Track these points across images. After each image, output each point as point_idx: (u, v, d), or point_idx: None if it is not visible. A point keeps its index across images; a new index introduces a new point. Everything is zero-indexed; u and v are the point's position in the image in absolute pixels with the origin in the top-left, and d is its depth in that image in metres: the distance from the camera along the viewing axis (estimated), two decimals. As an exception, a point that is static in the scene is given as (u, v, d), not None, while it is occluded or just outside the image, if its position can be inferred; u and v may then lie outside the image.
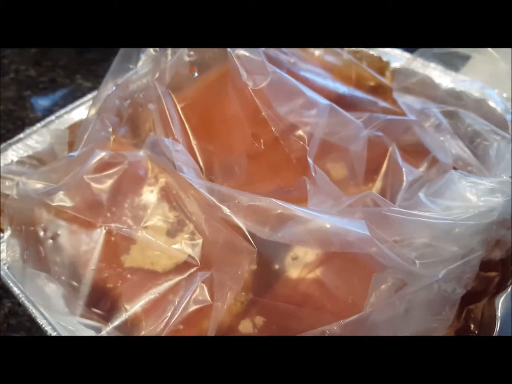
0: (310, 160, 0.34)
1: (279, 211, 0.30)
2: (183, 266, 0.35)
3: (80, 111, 0.51)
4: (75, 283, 0.37)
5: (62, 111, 0.52)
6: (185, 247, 0.35)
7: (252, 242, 0.30)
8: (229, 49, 0.35)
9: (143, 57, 0.40)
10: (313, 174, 0.34)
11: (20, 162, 0.48)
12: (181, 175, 0.32)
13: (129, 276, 0.40)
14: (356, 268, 0.35)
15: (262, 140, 0.35)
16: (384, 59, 0.59)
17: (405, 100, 0.51)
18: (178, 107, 0.38)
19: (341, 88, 0.51)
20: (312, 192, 0.34)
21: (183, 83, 0.39)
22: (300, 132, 0.36)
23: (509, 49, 0.50)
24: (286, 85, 0.36)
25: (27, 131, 0.50)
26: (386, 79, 0.58)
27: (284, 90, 0.36)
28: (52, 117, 0.51)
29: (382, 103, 0.51)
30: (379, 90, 0.55)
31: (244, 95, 0.34)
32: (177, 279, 0.35)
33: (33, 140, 0.49)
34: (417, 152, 0.43)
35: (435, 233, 0.33)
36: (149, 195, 0.36)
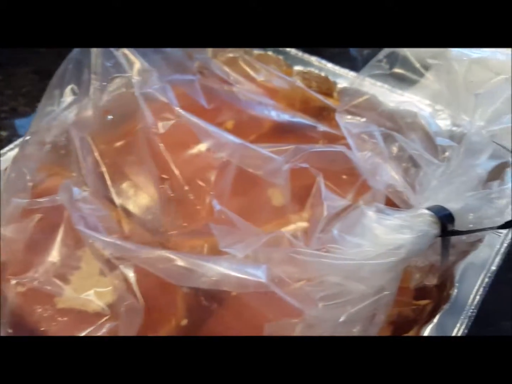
0: (215, 204, 0.34)
1: (174, 263, 0.30)
2: (94, 315, 0.35)
3: (23, 149, 0.52)
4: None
5: (6, 148, 0.52)
6: (95, 297, 0.35)
7: (141, 300, 0.30)
8: (137, 92, 0.35)
9: (62, 100, 0.41)
10: (222, 217, 0.34)
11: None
12: (78, 228, 0.32)
13: (59, 318, 0.40)
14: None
15: (170, 185, 0.35)
16: (332, 79, 0.58)
17: (346, 122, 0.51)
18: (95, 150, 0.38)
19: (281, 116, 0.51)
20: (222, 235, 0.33)
21: (100, 126, 0.39)
22: (206, 175, 0.35)
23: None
24: (193, 128, 0.35)
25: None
26: (334, 100, 0.57)
27: (191, 134, 0.35)
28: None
29: (322, 128, 0.51)
30: (323, 113, 0.55)
31: (150, 139, 0.34)
32: (89, 329, 0.35)
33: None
34: (347, 180, 0.43)
35: (342, 273, 0.32)
36: (62, 243, 0.36)
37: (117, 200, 0.38)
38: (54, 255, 0.37)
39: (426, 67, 0.47)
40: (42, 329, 0.40)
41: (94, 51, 0.40)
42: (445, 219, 0.35)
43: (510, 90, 0.40)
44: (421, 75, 0.47)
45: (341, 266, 0.32)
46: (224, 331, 0.39)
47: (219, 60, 0.53)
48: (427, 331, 0.37)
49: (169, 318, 0.39)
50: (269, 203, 0.44)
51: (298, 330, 0.32)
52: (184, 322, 0.39)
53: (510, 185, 0.42)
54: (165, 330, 0.38)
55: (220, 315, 0.40)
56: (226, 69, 0.54)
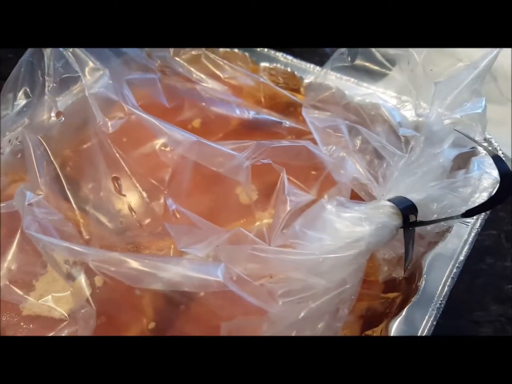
0: (169, 203, 0.33)
1: (129, 265, 0.29)
2: (60, 320, 0.34)
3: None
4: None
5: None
6: (53, 302, 0.34)
7: (91, 302, 0.29)
8: (87, 92, 0.34)
9: (16, 103, 0.39)
10: (177, 216, 0.33)
11: None
12: (28, 232, 0.31)
13: (25, 326, 0.39)
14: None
15: (123, 185, 0.34)
16: (299, 74, 0.58)
17: (312, 117, 0.50)
18: (50, 153, 0.37)
19: (248, 113, 0.50)
20: (179, 235, 0.33)
21: (54, 129, 0.38)
22: (160, 174, 0.34)
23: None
24: (146, 126, 0.35)
25: None
26: (301, 95, 0.57)
27: (143, 132, 0.35)
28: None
29: (289, 123, 0.50)
30: (290, 109, 0.54)
31: (100, 138, 0.33)
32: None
33: None
34: (312, 175, 0.43)
35: (303, 269, 0.32)
36: (19, 249, 0.35)
37: (75, 203, 0.37)
38: (10, 261, 0.36)
39: (388, 58, 0.47)
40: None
41: (47, 52, 0.39)
42: (406, 210, 0.34)
43: (470, 77, 0.39)
44: (383, 65, 0.47)
45: (302, 261, 0.31)
46: (192, 332, 0.38)
47: (181, 58, 0.53)
48: (395, 324, 0.36)
49: (137, 321, 0.38)
50: (237, 201, 0.44)
51: (259, 327, 0.31)
52: (152, 325, 0.38)
53: (474, 173, 0.42)
54: (133, 333, 0.37)
55: (188, 316, 0.39)
56: (189, 67, 0.53)
